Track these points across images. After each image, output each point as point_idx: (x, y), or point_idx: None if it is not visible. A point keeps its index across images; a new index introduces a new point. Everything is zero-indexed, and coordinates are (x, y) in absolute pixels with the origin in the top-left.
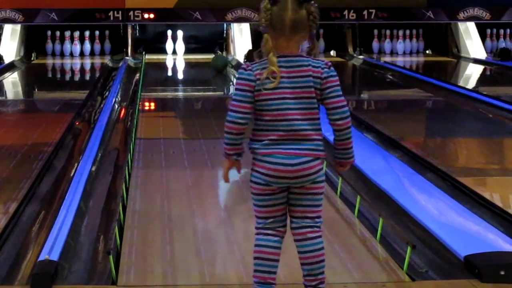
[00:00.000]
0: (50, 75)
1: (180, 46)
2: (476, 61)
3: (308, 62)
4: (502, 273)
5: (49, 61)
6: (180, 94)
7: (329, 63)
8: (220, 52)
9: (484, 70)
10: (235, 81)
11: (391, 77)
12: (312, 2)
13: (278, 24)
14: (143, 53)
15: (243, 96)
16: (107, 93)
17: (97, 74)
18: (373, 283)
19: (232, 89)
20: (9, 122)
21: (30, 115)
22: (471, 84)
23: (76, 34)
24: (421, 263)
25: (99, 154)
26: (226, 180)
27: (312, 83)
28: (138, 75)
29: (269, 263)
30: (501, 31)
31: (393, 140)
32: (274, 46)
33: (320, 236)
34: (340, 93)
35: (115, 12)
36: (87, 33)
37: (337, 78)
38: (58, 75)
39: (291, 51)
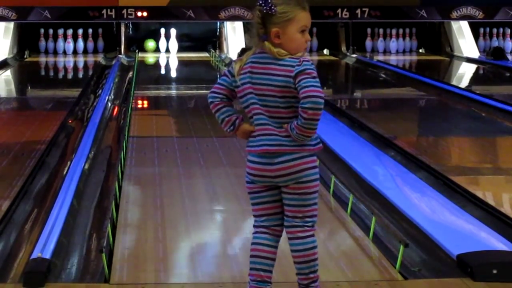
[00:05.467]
0: (43, 73)
1: (173, 44)
2: (469, 60)
3: (274, 61)
4: (495, 271)
5: (42, 59)
6: (173, 92)
7: (303, 59)
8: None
9: (477, 69)
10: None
11: (384, 75)
12: (258, 4)
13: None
14: (136, 51)
15: (220, 79)
16: (100, 91)
17: (90, 72)
18: (366, 282)
19: None
20: (1, 120)
21: (23, 113)
22: (464, 83)
23: (69, 32)
24: (414, 262)
25: (92, 152)
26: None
27: (278, 82)
28: (131, 73)
29: (265, 261)
30: (494, 30)
31: (386, 138)
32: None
33: (311, 236)
34: (314, 84)
35: (109, 10)
36: (80, 31)
37: (309, 71)
38: (51, 73)
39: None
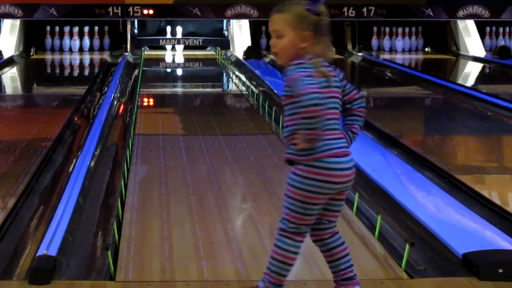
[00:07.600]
0: (49, 70)
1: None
2: (475, 59)
3: (327, 64)
4: (501, 271)
5: (48, 56)
6: (179, 90)
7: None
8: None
9: (483, 68)
10: (297, 72)
11: (390, 74)
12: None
13: (323, 29)
14: (143, 49)
15: (310, 82)
16: (106, 88)
17: (96, 70)
18: (371, 280)
19: (230, 86)
20: (8, 117)
21: (29, 110)
22: (470, 82)
23: (76, 29)
24: (419, 261)
25: (98, 150)
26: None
27: (339, 83)
28: (137, 71)
29: (290, 268)
30: (501, 29)
31: (392, 137)
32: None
33: None
34: None
35: (115, 7)
36: (86, 29)
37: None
38: (57, 71)
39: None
